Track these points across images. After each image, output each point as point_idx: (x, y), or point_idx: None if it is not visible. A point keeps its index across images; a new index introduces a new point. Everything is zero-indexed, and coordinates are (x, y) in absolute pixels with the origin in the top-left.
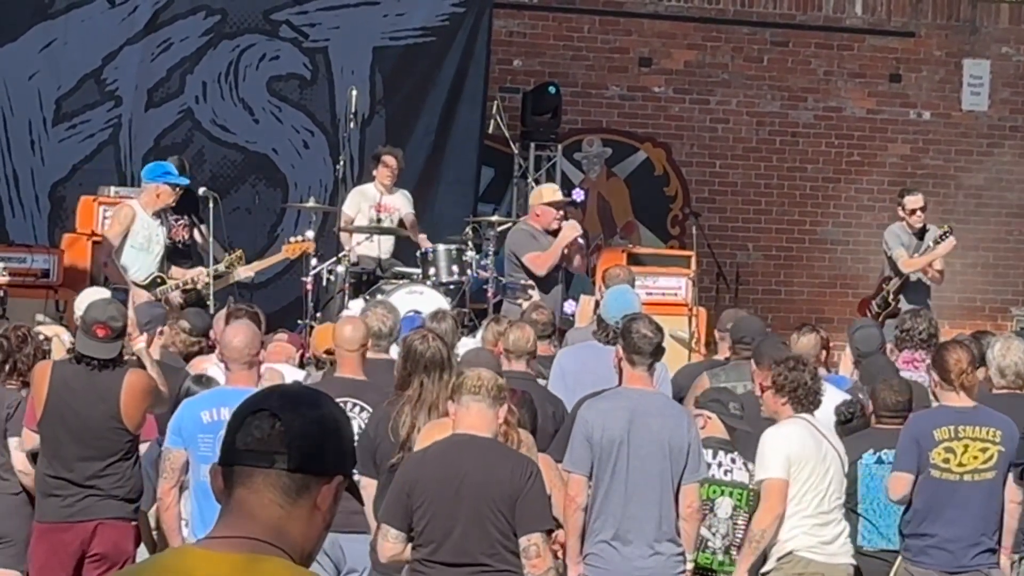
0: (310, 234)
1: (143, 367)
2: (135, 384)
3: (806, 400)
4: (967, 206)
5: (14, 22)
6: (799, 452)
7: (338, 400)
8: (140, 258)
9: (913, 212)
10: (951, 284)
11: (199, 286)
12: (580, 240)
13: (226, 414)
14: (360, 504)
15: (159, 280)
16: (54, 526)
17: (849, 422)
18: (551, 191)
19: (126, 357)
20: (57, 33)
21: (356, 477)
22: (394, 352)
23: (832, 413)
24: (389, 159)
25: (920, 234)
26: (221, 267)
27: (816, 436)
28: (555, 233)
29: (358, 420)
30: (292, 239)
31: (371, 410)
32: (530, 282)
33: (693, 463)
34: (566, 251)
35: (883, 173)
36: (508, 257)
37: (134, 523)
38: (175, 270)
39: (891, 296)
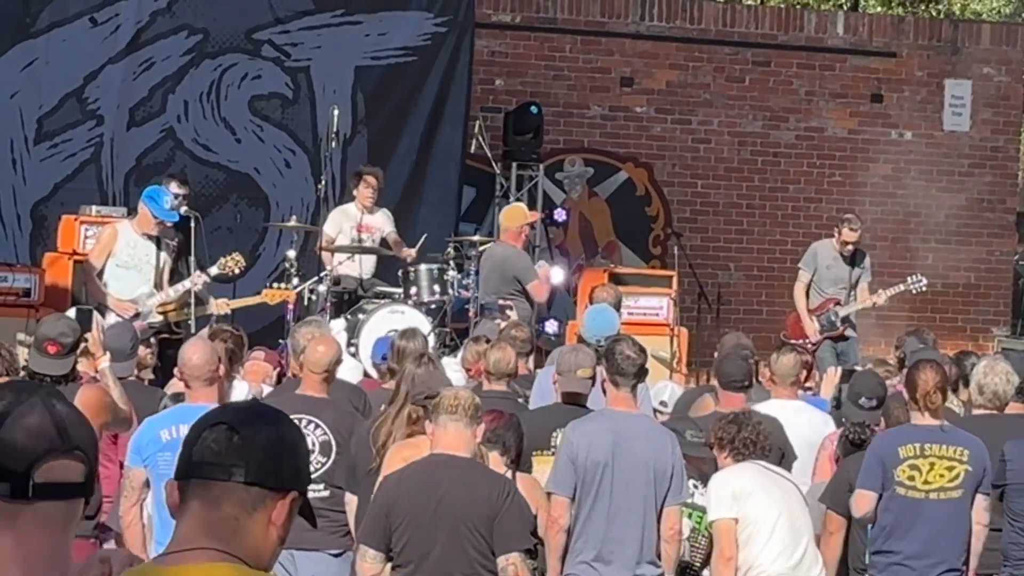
0: (291, 256)
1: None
2: (88, 400)
3: (745, 450)
4: (948, 226)
5: None
6: (746, 485)
7: (293, 417)
8: (127, 277)
9: (846, 244)
10: (932, 305)
11: (195, 288)
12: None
13: (185, 431)
14: (311, 525)
15: (148, 294)
16: None
17: (861, 445)
18: (528, 211)
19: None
20: (39, 52)
21: (326, 493)
22: (342, 370)
23: (812, 432)
24: (370, 178)
25: (854, 259)
26: (214, 270)
27: (765, 472)
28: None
29: (312, 437)
30: (275, 285)
31: (325, 427)
32: (508, 302)
33: (676, 486)
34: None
35: (865, 193)
36: (507, 280)
37: (93, 540)
38: (168, 288)
39: (839, 320)
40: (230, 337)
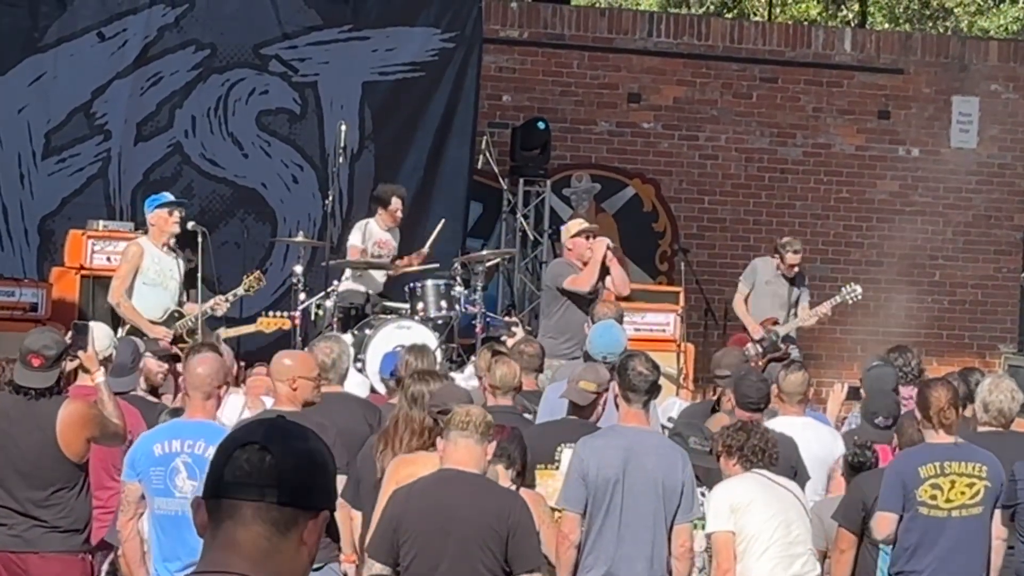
0: (298, 271)
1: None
2: (72, 413)
3: (754, 458)
4: (956, 243)
5: (4, 56)
6: (743, 497)
7: None
8: (154, 295)
9: (792, 266)
10: (939, 321)
11: (218, 313)
12: (610, 251)
13: (177, 446)
14: (332, 540)
15: (176, 315)
16: (1, 555)
17: (861, 468)
18: (576, 224)
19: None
20: (47, 67)
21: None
22: (349, 385)
23: (821, 448)
24: (396, 202)
25: (794, 280)
26: (240, 291)
27: (766, 484)
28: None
29: None
30: (271, 313)
31: None
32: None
33: (687, 503)
34: (607, 263)
35: (871, 210)
36: (545, 290)
37: (82, 555)
38: (189, 305)
39: (780, 340)
40: (210, 347)
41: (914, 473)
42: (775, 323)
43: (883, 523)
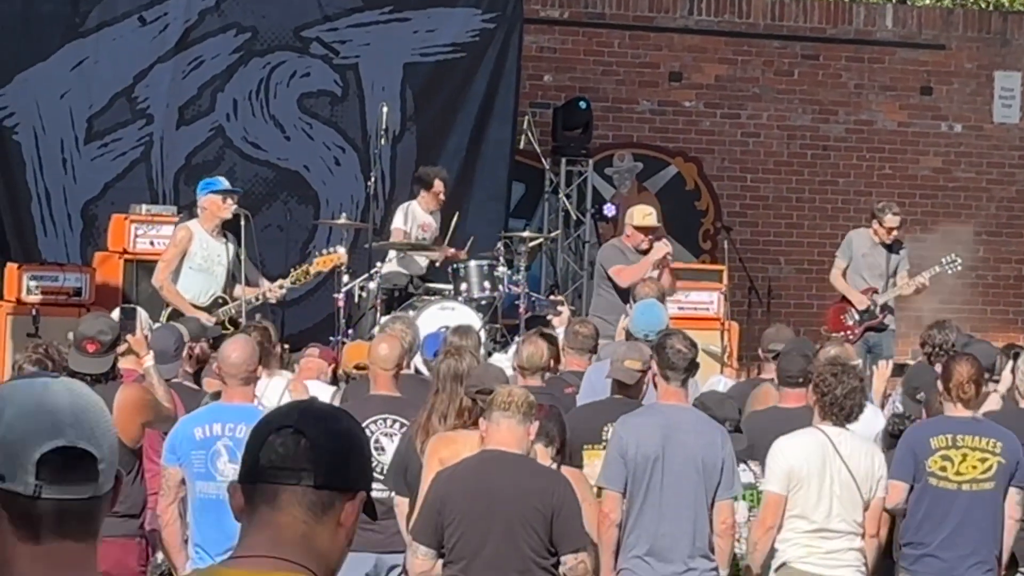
0: (341, 249)
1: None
2: (128, 398)
3: (830, 412)
4: (999, 219)
5: (46, 41)
6: (800, 469)
7: (378, 417)
8: (200, 280)
9: (891, 231)
10: (984, 297)
11: (272, 300)
12: (669, 258)
13: (218, 430)
14: (370, 517)
15: (221, 301)
16: None
17: (900, 437)
18: (642, 215)
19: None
20: (88, 51)
21: (387, 494)
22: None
23: (862, 426)
24: (439, 184)
25: (892, 248)
26: (287, 282)
27: (827, 452)
28: (646, 252)
29: (399, 436)
30: (324, 251)
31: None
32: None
33: (727, 479)
34: (656, 270)
35: (915, 186)
36: (597, 270)
37: (138, 539)
38: (239, 288)
39: (878, 309)
40: (255, 329)
41: (925, 443)
42: (875, 292)
43: (893, 491)
